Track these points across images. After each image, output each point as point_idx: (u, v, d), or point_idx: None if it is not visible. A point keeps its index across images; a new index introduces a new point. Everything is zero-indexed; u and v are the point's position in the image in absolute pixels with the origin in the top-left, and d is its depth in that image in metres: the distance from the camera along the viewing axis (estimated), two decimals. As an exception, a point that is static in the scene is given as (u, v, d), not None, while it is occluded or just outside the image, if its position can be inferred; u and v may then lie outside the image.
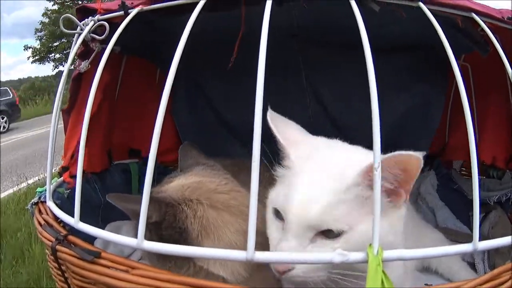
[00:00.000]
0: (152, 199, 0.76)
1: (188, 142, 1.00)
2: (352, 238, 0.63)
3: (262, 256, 0.54)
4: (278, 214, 0.68)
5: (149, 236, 0.76)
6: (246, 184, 0.69)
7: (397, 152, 0.60)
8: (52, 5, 20.08)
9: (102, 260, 0.67)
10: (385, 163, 0.60)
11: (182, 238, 0.77)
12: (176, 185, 0.85)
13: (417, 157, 0.61)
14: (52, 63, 21.48)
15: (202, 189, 0.83)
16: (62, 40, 20.26)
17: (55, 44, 20.78)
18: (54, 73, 22.35)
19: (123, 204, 0.76)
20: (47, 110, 13.33)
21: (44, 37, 20.66)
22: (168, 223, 0.77)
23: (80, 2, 19.09)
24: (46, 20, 20.35)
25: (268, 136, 1.43)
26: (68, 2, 19.53)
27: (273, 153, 0.74)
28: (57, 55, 21.05)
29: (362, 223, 0.63)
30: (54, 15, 19.64)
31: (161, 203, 0.78)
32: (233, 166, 1.06)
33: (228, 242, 0.77)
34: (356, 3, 0.64)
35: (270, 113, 0.77)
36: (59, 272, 0.77)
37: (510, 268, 0.62)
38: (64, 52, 20.51)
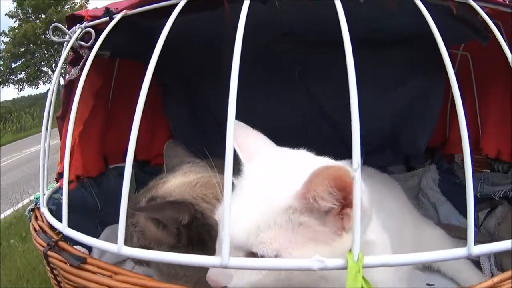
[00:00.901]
0: (176, 202, 0.78)
1: (172, 140, 1.00)
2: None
3: (236, 262, 0.53)
4: None
5: (177, 241, 0.78)
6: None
7: (323, 166, 0.55)
8: (14, 22, 19.67)
9: (88, 266, 0.68)
10: (313, 183, 0.57)
11: (210, 236, 0.77)
12: (179, 183, 0.85)
13: (346, 170, 0.54)
14: (16, 85, 20.84)
15: (210, 183, 0.83)
16: (23, 59, 19.92)
17: (17, 64, 20.26)
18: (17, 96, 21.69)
19: (159, 215, 0.78)
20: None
21: (5, 57, 19.97)
22: (199, 222, 0.77)
23: (42, 16, 18.82)
24: (7, 40, 19.79)
25: (288, 134, 1.43)
26: (31, 18, 19.33)
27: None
28: (20, 75, 20.56)
29: (292, 253, 0.59)
30: (15, 31, 19.26)
31: (187, 204, 0.78)
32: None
33: None
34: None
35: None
36: (53, 276, 0.79)
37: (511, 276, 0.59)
38: (27, 71, 20.12)
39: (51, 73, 21.14)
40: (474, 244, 0.53)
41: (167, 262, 0.72)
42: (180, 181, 0.86)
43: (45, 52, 20.51)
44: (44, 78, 21.42)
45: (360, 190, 0.52)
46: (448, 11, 0.76)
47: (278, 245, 0.59)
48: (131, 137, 0.60)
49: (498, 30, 0.69)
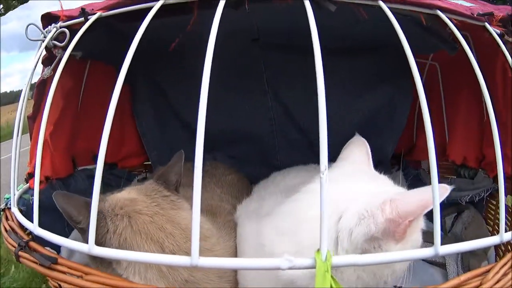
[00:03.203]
0: (87, 205, 0.77)
1: (180, 152, 0.97)
2: None
3: (206, 262, 0.54)
4: None
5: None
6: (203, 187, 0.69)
7: None
8: None
9: (59, 266, 0.68)
10: None
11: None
12: (116, 197, 0.86)
13: None
14: None
15: (128, 208, 0.83)
16: None
17: None
18: None
19: (61, 204, 0.77)
20: None
21: None
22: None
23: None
24: None
25: (256, 139, 1.44)
26: None
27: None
28: None
29: None
30: None
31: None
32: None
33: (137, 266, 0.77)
34: (310, 3, 0.64)
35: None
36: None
37: (478, 274, 0.62)
38: None
39: None
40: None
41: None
42: (119, 196, 0.88)
43: None
44: None
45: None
46: (418, 22, 0.78)
47: None
48: (102, 139, 0.60)
49: (466, 41, 0.71)
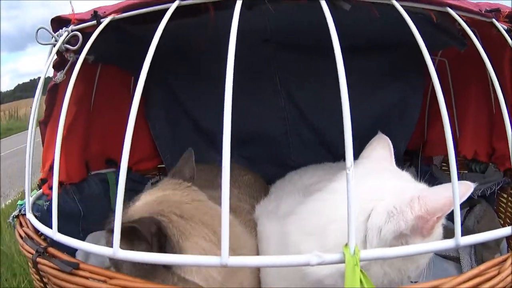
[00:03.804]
0: (136, 221, 0.75)
1: (188, 151, 0.97)
2: None
3: (235, 260, 0.54)
4: None
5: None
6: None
7: None
8: None
9: (81, 271, 0.67)
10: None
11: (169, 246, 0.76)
12: (142, 204, 0.85)
13: None
14: None
15: (166, 200, 0.83)
16: None
17: None
18: None
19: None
20: None
21: None
22: (162, 232, 0.76)
23: None
24: None
25: (269, 139, 1.44)
26: None
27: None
28: None
29: None
30: None
31: (144, 220, 0.77)
32: (209, 171, 1.05)
33: (198, 250, 0.77)
34: (326, 3, 0.64)
35: None
36: (42, 285, 0.77)
37: (496, 264, 0.62)
38: None
39: None
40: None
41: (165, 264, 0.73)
42: (143, 202, 0.86)
43: None
44: None
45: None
46: (429, 20, 0.79)
47: None
48: (124, 145, 0.59)
49: (475, 37, 0.72)
